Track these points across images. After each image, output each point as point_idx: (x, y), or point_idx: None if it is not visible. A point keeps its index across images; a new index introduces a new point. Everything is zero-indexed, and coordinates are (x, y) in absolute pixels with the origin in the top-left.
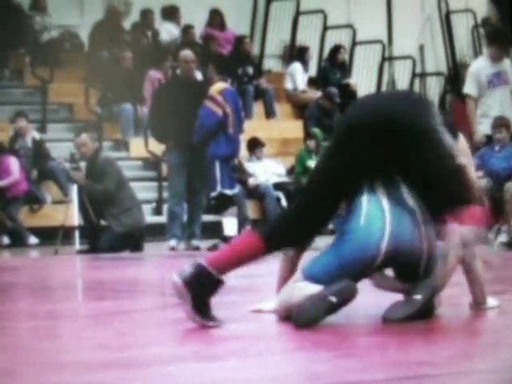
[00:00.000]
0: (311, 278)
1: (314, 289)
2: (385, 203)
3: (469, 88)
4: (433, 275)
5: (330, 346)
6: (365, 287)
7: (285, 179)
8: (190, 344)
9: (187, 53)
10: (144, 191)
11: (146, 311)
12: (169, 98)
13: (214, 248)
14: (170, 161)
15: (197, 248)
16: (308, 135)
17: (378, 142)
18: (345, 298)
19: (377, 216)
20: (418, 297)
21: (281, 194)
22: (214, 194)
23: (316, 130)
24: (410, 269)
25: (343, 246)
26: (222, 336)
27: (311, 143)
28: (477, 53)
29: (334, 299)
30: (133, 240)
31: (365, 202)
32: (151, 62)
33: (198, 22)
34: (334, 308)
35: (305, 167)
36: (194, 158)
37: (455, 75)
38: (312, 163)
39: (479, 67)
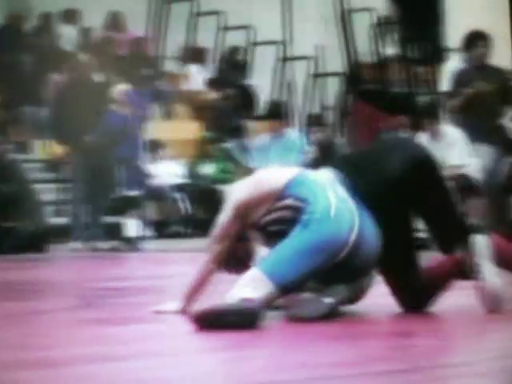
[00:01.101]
0: (274, 276)
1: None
2: (350, 200)
3: None
4: (355, 285)
5: (237, 347)
6: None
7: (185, 180)
8: (100, 344)
9: (86, 56)
10: (46, 193)
11: (54, 312)
12: (69, 100)
13: (114, 249)
14: (73, 163)
15: (98, 249)
16: (204, 140)
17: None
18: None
19: (346, 209)
20: (330, 300)
21: (181, 195)
22: (115, 196)
23: (209, 134)
24: (364, 264)
25: (307, 235)
26: (132, 336)
27: (207, 147)
28: (377, 52)
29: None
30: (37, 241)
31: (332, 196)
32: (52, 65)
33: (97, 24)
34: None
35: (198, 173)
36: (97, 160)
37: (355, 75)
38: (207, 168)
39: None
